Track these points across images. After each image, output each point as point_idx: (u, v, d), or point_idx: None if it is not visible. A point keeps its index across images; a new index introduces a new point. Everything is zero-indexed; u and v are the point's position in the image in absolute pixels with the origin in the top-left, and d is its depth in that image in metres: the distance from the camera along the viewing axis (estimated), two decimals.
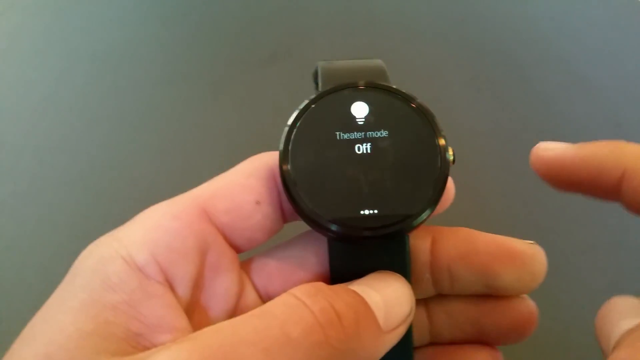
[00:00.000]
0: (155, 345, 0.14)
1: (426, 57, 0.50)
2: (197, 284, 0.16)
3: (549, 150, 0.16)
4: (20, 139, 0.43)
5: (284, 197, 0.16)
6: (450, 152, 0.17)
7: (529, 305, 0.18)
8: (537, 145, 0.17)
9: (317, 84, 0.19)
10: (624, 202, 0.16)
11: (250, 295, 0.17)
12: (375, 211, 0.15)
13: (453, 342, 0.19)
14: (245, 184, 0.17)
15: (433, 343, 0.19)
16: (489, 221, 0.37)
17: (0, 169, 0.41)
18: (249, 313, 0.13)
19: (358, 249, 0.16)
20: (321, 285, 0.14)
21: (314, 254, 0.17)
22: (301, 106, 0.17)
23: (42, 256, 0.35)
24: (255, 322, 0.13)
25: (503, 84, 0.48)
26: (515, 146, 0.41)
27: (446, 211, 0.18)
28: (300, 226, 0.17)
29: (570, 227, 0.37)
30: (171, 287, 0.15)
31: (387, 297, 0.15)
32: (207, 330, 0.13)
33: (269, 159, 0.17)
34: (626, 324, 0.14)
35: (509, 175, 0.39)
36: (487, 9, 0.56)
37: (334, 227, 0.15)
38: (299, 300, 0.13)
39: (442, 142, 0.17)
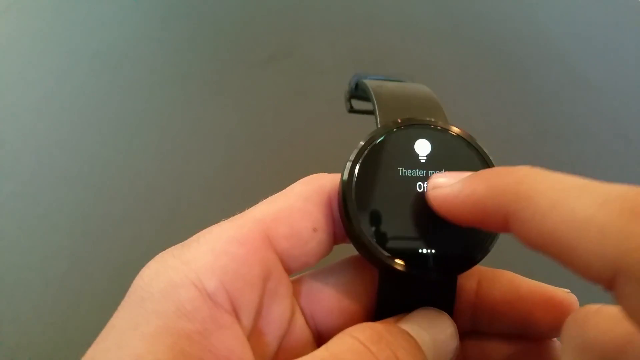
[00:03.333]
0: None
1: (426, 56, 0.50)
2: (258, 312, 0.16)
3: (438, 188, 0.16)
4: (20, 139, 0.43)
5: (338, 224, 0.17)
6: None
7: (558, 348, 0.18)
8: (430, 181, 0.16)
9: (352, 97, 0.18)
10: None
11: (299, 320, 0.17)
12: (434, 251, 0.16)
13: None
14: (304, 209, 0.16)
15: None
16: None
17: (0, 169, 0.41)
18: (319, 356, 0.13)
19: (408, 283, 0.17)
20: (379, 328, 0.15)
21: (361, 283, 0.18)
22: (365, 139, 0.17)
23: (42, 256, 0.35)
24: None
25: (504, 84, 0.48)
26: (515, 146, 0.41)
27: None
28: (345, 248, 0.17)
29: None
30: (237, 317, 0.15)
31: (436, 338, 0.15)
32: None
33: (325, 182, 0.17)
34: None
35: None
36: (488, 9, 0.56)
37: (395, 264, 0.16)
38: (365, 347, 0.14)
39: None
